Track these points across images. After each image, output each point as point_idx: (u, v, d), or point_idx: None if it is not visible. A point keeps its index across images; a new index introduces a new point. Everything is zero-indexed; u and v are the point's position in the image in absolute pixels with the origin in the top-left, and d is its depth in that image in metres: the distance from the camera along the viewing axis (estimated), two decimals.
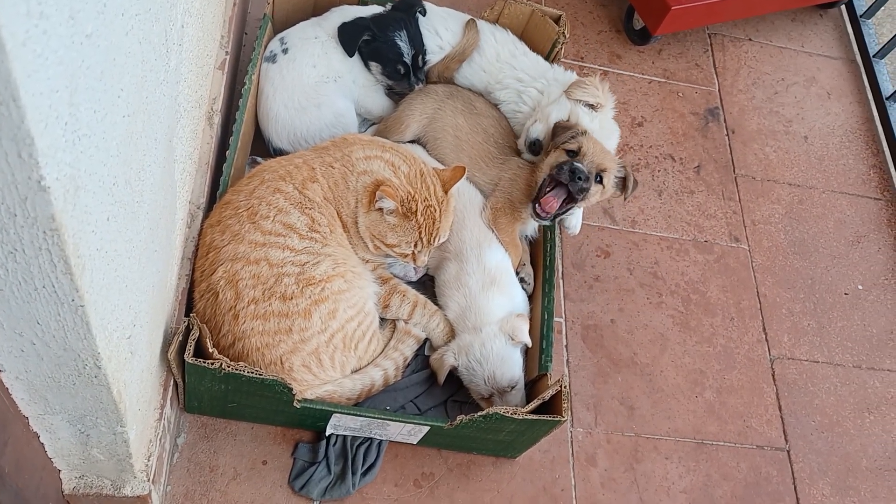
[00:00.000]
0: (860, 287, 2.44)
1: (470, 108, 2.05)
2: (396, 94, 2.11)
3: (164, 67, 1.17)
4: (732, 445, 2.05)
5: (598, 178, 1.85)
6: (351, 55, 2.02)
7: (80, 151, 0.81)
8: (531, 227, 2.02)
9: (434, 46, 2.11)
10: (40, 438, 1.26)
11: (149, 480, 1.47)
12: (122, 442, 1.30)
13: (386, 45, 2.00)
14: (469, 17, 2.16)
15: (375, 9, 2.10)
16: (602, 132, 1.95)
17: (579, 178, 1.80)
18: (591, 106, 1.94)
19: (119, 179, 0.97)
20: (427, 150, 2.05)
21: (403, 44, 2.01)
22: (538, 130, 1.95)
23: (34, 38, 0.65)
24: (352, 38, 2.00)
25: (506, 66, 2.09)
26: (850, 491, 2.07)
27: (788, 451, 2.09)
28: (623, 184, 1.90)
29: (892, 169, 2.70)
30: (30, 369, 1.06)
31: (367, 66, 2.07)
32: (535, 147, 1.97)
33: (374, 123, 2.15)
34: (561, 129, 1.87)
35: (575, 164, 1.81)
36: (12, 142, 0.69)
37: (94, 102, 0.83)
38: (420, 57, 2.06)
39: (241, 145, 1.88)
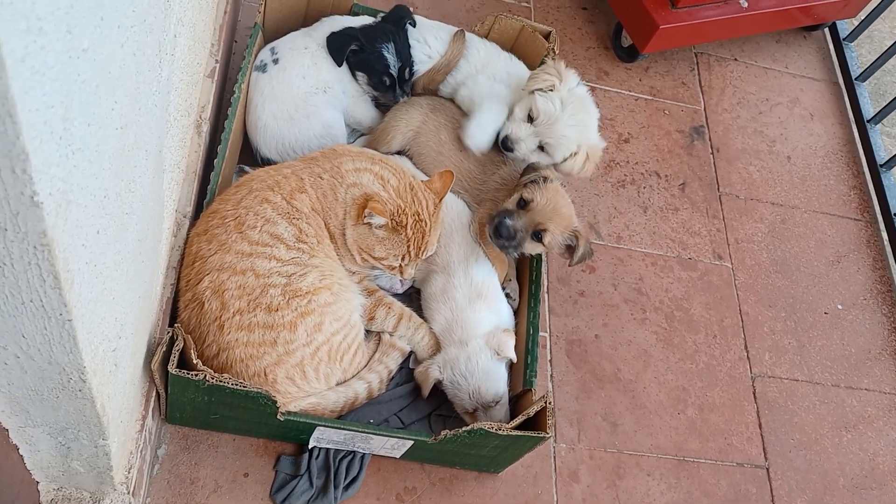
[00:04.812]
0: (840, 307, 2.47)
1: (453, 122, 2.05)
2: (383, 106, 2.12)
3: (157, 78, 1.16)
4: (713, 463, 2.07)
5: (538, 236, 1.81)
6: (339, 65, 2.02)
7: (73, 166, 0.80)
8: None
9: (422, 56, 2.11)
10: (19, 451, 1.24)
11: (129, 493, 1.45)
12: (104, 454, 1.28)
13: (373, 57, 2.01)
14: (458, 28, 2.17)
15: (365, 20, 2.10)
16: (567, 108, 1.90)
17: (502, 235, 1.80)
18: (548, 90, 1.92)
19: (110, 192, 0.96)
20: (413, 163, 2.05)
21: (390, 56, 2.02)
22: (508, 129, 1.95)
23: (33, 55, 0.65)
24: (340, 48, 2.00)
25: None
26: None
27: (768, 469, 2.11)
28: (571, 249, 1.84)
29: (871, 190, 2.74)
30: (12, 382, 1.04)
31: (354, 76, 2.07)
32: (505, 143, 1.96)
33: (363, 134, 2.15)
34: (529, 169, 1.87)
35: (504, 220, 1.79)
36: (6, 158, 0.68)
37: (89, 116, 0.82)
38: (406, 70, 2.06)
39: (229, 154, 1.87)
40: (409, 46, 2.08)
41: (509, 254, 1.90)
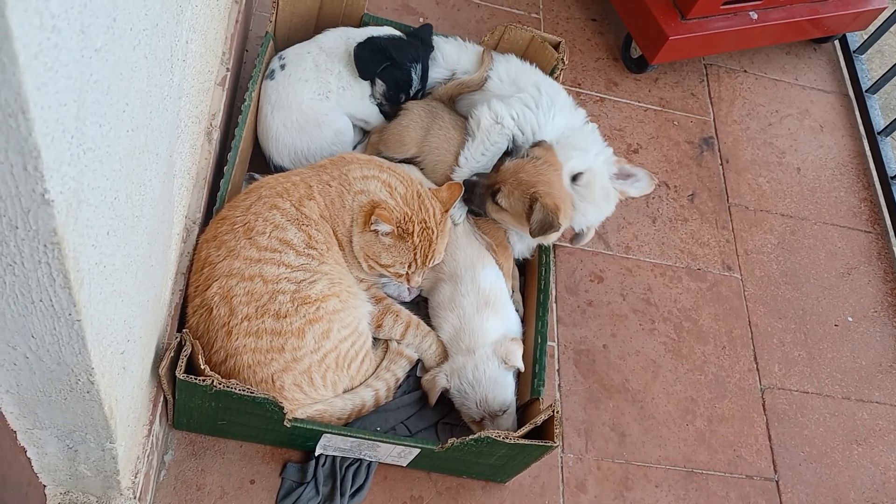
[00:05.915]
0: (850, 319, 2.45)
1: (458, 122, 2.04)
2: (384, 113, 2.11)
3: (168, 83, 1.17)
4: (722, 475, 2.05)
5: (494, 195, 1.87)
6: (365, 79, 2.02)
7: (85, 165, 0.81)
8: (524, 244, 2.01)
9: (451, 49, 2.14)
10: (27, 453, 1.24)
11: (135, 498, 1.45)
12: (111, 458, 1.28)
13: (401, 73, 2.02)
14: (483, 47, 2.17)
15: (374, 29, 2.10)
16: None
17: (467, 189, 1.91)
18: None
19: (121, 194, 0.96)
20: (422, 166, 2.05)
21: (416, 77, 2.04)
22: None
23: (46, 51, 0.65)
24: (371, 63, 2.00)
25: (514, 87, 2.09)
26: None
27: (777, 482, 2.09)
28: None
29: (882, 202, 2.73)
30: (21, 383, 1.04)
31: (372, 80, 2.06)
32: (574, 179, 1.98)
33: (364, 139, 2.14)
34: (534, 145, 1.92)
35: (473, 178, 1.92)
36: (19, 154, 0.68)
37: (100, 116, 0.83)
38: (420, 91, 2.09)
39: (239, 162, 1.88)
40: (428, 69, 2.10)
41: (474, 209, 1.94)
